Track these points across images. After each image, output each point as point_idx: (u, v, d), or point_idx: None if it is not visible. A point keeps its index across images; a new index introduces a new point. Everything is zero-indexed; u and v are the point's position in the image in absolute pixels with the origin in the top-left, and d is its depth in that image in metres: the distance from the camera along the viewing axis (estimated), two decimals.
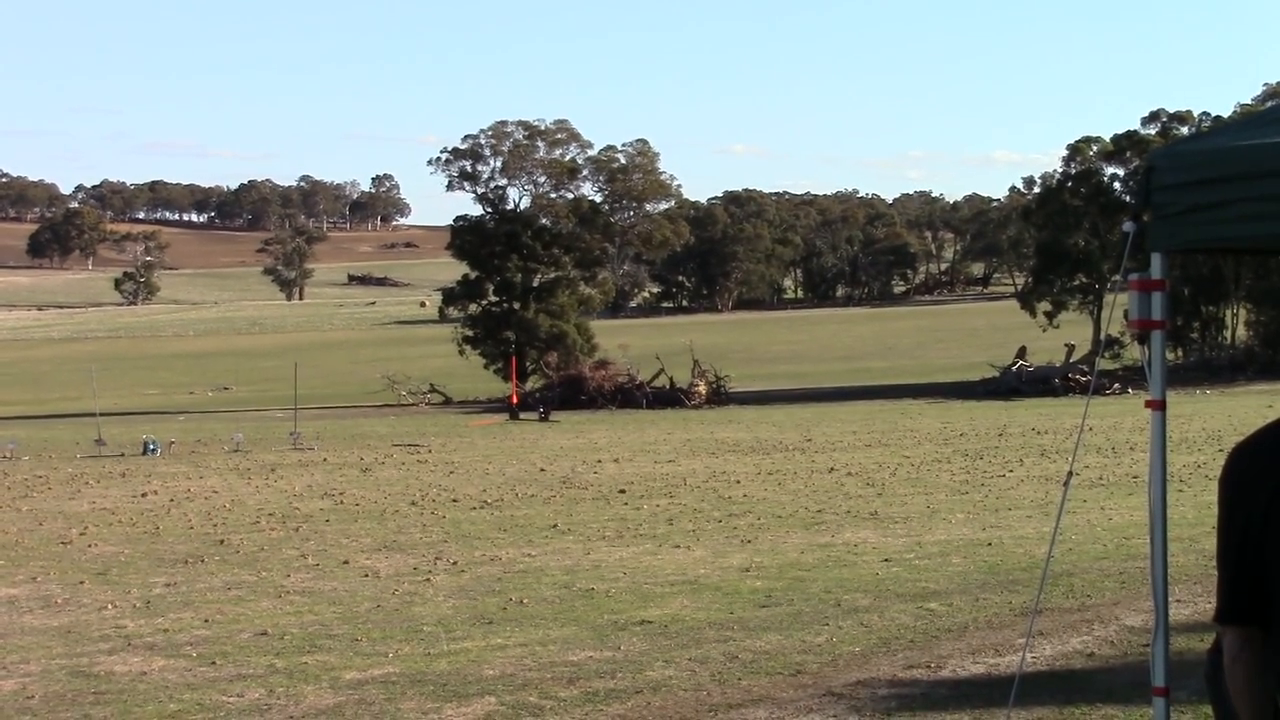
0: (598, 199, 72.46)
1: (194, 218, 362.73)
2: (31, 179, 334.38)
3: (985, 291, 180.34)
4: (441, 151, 70.73)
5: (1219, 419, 34.37)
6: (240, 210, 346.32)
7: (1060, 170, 71.90)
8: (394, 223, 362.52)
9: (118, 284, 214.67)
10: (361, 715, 8.95)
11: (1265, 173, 4.88)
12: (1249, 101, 70.87)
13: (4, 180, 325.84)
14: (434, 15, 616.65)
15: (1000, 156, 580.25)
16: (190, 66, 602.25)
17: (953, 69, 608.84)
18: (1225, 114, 66.70)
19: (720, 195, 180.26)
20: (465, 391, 63.89)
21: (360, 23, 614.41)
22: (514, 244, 66.84)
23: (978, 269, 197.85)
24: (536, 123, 70.09)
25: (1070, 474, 7.11)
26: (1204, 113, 68.52)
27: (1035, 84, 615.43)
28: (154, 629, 11.90)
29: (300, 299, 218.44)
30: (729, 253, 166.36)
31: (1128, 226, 5.48)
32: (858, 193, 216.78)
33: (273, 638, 11.40)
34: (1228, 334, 68.14)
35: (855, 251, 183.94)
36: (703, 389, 56.42)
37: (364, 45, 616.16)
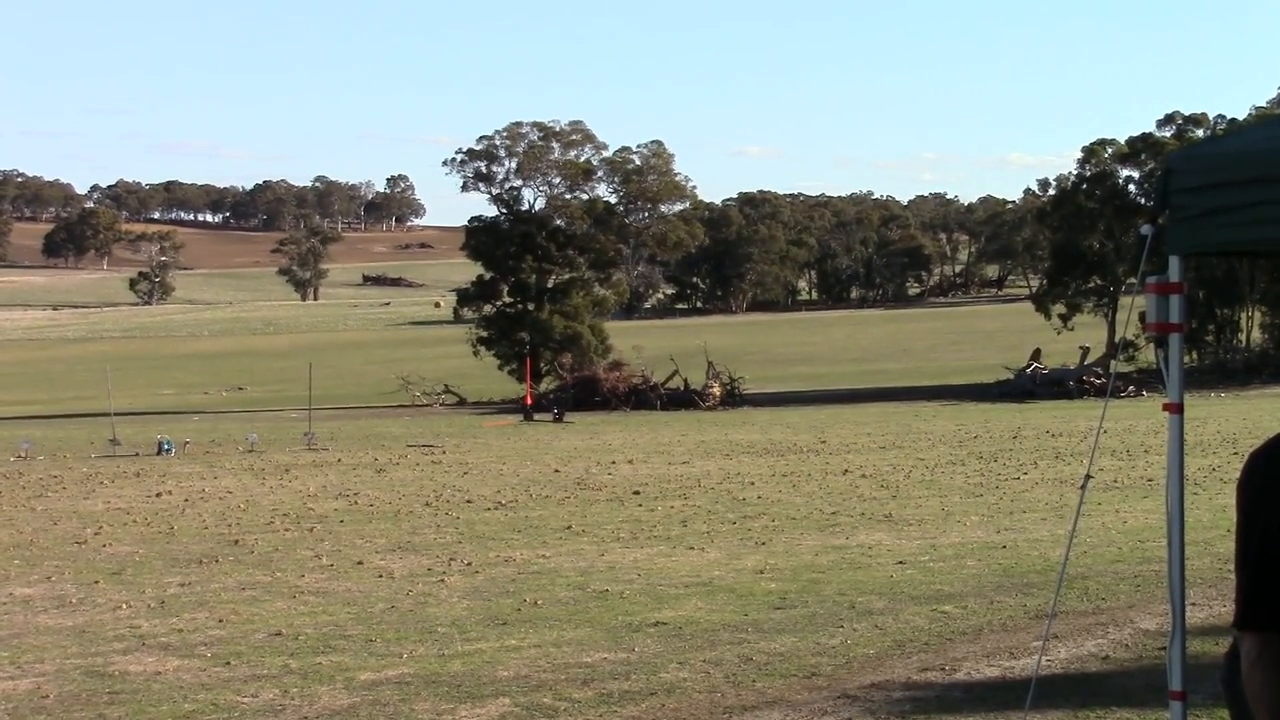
0: (612, 200, 72.38)
1: (209, 218, 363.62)
2: (47, 179, 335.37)
3: (1000, 294, 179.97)
4: (456, 152, 70.67)
5: (1234, 422, 34.29)
6: (255, 210, 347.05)
7: (1075, 172, 71.76)
8: (409, 223, 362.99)
9: (133, 284, 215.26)
10: (376, 716, 8.95)
11: None
12: (1264, 104, 70.76)
13: (20, 180, 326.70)
14: (449, 15, 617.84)
15: (1015, 159, 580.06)
16: (205, 66, 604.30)
17: (967, 70, 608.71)
18: (1240, 116, 66.67)
19: (735, 197, 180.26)
20: (479, 392, 63.95)
21: (375, 23, 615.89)
22: (529, 245, 66.89)
23: (992, 271, 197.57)
24: (551, 124, 70.09)
25: (1087, 477, 7.10)
26: (1219, 115, 68.50)
27: (1050, 86, 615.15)
28: (168, 629, 11.92)
29: (315, 299, 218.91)
30: (743, 254, 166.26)
31: (1145, 229, 5.47)
32: (872, 194, 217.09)
33: (287, 638, 11.41)
34: (1242, 337, 68.00)
35: (870, 253, 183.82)
36: (717, 390, 56.44)
37: (379, 45, 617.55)
